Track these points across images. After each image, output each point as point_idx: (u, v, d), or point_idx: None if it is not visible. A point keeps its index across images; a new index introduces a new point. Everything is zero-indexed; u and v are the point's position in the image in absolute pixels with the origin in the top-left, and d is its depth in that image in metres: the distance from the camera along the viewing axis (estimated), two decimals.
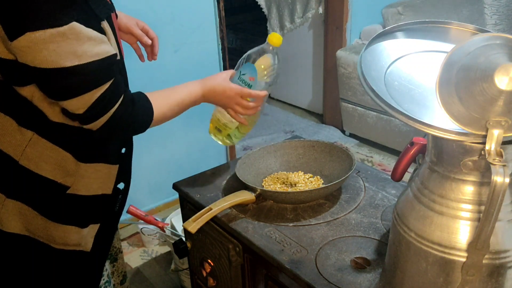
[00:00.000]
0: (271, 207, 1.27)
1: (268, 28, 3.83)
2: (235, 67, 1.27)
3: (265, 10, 3.77)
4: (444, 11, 3.14)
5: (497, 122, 0.70)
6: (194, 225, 1.16)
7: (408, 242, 0.83)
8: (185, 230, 1.34)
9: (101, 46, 0.95)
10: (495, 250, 0.77)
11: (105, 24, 1.00)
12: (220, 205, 1.20)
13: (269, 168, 1.44)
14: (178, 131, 2.55)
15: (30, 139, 1.01)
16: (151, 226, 2.02)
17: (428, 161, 0.84)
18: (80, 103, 0.95)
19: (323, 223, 1.20)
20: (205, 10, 2.44)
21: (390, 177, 1.17)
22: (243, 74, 1.23)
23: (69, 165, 1.05)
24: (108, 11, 1.03)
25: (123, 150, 1.18)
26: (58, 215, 1.08)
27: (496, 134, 0.70)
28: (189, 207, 1.39)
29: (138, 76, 2.26)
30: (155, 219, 2.00)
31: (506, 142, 0.72)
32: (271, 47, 1.22)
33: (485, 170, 0.75)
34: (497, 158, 0.69)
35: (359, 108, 3.17)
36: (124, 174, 1.20)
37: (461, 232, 0.78)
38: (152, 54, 1.35)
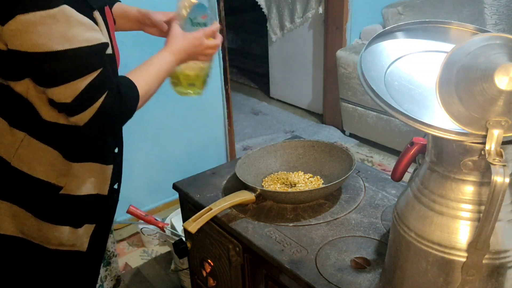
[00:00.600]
0: (271, 207, 1.27)
1: (268, 28, 3.83)
2: (176, 13, 1.23)
3: (265, 10, 3.77)
4: (444, 11, 3.14)
5: (497, 122, 0.70)
6: (194, 225, 1.16)
7: (408, 242, 0.83)
8: (185, 230, 1.34)
9: (92, 33, 0.94)
10: (495, 250, 0.77)
11: (97, 14, 1.00)
12: (220, 205, 1.20)
13: (269, 168, 1.44)
14: (178, 131, 2.55)
15: (22, 140, 1.01)
16: (151, 226, 2.02)
17: (428, 161, 0.84)
18: (68, 91, 0.93)
19: (323, 223, 1.20)
20: None
21: (390, 177, 1.17)
22: (195, 18, 1.21)
23: (61, 166, 1.05)
24: (101, 2, 1.03)
25: (116, 150, 1.18)
26: (52, 215, 1.08)
27: (496, 134, 0.70)
28: (189, 207, 1.39)
29: None
30: (155, 219, 2.00)
31: (506, 142, 0.72)
32: None
33: (485, 170, 0.75)
34: (497, 158, 0.69)
35: (359, 108, 3.17)
36: (118, 174, 1.20)
37: (461, 232, 0.78)
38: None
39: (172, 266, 2.12)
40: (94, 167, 1.10)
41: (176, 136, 2.55)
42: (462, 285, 0.79)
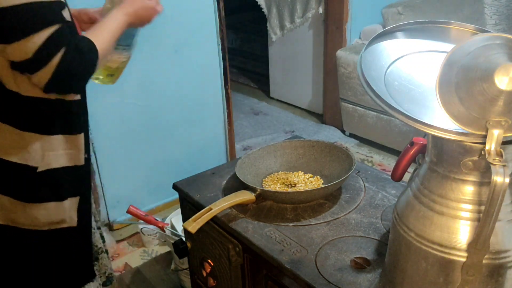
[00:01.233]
0: (271, 207, 1.27)
1: (268, 28, 3.83)
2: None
3: (265, 10, 3.77)
4: (444, 11, 3.14)
5: (497, 122, 0.70)
6: (194, 225, 1.16)
7: (408, 242, 0.83)
8: (185, 230, 1.34)
9: None
10: (495, 250, 0.77)
11: None
12: (220, 205, 1.20)
13: (269, 168, 1.44)
14: (178, 131, 2.55)
15: None
16: (151, 226, 2.02)
17: (428, 161, 0.84)
18: (29, 44, 0.96)
19: (323, 223, 1.20)
20: (205, 10, 2.44)
21: (390, 177, 1.17)
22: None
23: (35, 144, 1.08)
24: None
25: (83, 118, 1.21)
26: (35, 195, 1.12)
27: (496, 134, 0.70)
28: (189, 207, 1.39)
29: (138, 76, 2.27)
30: (155, 219, 2.00)
31: (506, 142, 0.72)
32: None
33: (485, 170, 0.75)
34: (497, 158, 0.69)
35: (359, 108, 3.17)
36: (88, 143, 1.24)
37: (461, 232, 0.78)
38: None
39: (172, 266, 2.12)
40: (67, 138, 1.14)
41: (176, 136, 2.55)
42: (462, 285, 0.79)
